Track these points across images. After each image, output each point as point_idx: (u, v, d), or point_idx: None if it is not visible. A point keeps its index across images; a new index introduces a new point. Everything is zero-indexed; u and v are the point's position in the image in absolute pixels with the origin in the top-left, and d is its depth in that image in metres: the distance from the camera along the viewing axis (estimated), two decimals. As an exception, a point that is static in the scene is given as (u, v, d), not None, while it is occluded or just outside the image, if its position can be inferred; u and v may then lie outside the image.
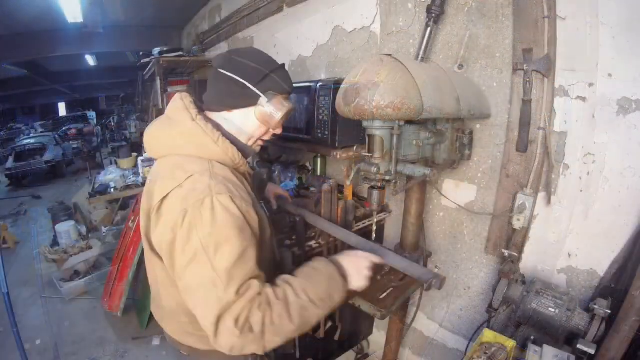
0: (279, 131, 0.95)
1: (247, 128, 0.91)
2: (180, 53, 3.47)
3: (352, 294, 0.92)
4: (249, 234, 0.77)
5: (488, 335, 1.06)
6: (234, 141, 0.87)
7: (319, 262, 0.86)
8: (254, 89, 0.85)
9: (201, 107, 0.91)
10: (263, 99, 0.87)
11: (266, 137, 0.97)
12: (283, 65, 0.93)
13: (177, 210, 0.74)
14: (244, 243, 0.74)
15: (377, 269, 0.91)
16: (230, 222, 0.73)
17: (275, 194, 1.46)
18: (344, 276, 0.86)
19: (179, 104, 0.86)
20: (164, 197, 0.77)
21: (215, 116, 0.90)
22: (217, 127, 0.86)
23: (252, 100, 0.87)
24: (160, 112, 2.49)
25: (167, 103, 0.95)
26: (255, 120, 0.90)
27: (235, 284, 0.71)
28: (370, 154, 0.99)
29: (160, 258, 0.84)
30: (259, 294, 0.73)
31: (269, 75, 0.87)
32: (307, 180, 1.89)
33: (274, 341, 0.74)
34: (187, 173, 0.77)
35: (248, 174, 0.94)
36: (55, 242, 3.85)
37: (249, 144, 0.94)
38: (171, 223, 0.74)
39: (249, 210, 0.79)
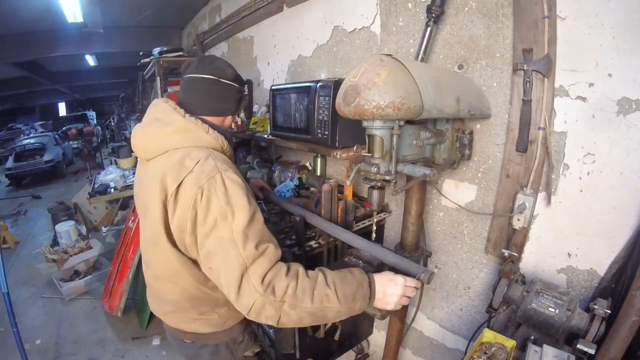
0: (236, 117, 1.17)
1: (226, 121, 1.08)
2: (180, 53, 3.47)
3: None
4: (253, 200, 0.89)
5: (488, 335, 1.06)
6: (219, 130, 1.00)
7: (356, 268, 0.92)
8: (244, 92, 1.03)
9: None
10: None
11: (232, 124, 1.15)
12: None
13: (193, 190, 0.83)
14: (252, 207, 0.86)
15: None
16: (238, 191, 0.85)
17: (258, 186, 1.60)
18: (371, 291, 0.88)
19: (166, 107, 0.97)
20: (179, 185, 0.86)
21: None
22: (203, 120, 0.98)
23: (242, 103, 1.06)
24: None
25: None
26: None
27: (252, 241, 0.81)
28: (370, 154, 0.99)
29: (175, 245, 0.91)
30: (288, 268, 0.82)
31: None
32: (307, 180, 1.89)
33: (289, 315, 0.79)
34: (194, 160, 0.88)
35: (231, 157, 1.08)
36: (55, 242, 3.86)
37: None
38: (190, 202, 0.83)
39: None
